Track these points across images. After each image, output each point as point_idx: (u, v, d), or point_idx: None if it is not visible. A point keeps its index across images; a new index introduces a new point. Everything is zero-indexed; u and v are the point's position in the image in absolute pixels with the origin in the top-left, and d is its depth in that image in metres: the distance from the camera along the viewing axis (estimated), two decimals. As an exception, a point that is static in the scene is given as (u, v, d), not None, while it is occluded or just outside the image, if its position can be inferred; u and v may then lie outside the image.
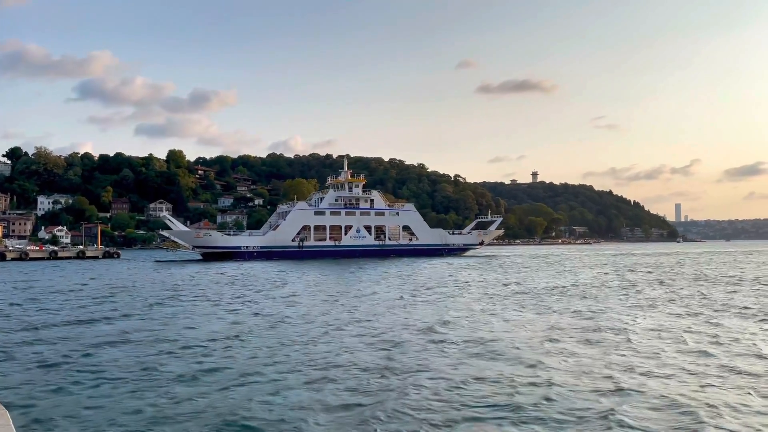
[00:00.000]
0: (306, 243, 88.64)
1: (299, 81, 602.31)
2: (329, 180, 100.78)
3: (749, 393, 12.34)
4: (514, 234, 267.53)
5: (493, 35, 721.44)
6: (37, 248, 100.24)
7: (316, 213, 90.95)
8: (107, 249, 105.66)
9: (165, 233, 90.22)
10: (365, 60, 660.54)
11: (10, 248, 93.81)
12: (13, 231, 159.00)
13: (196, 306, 28.34)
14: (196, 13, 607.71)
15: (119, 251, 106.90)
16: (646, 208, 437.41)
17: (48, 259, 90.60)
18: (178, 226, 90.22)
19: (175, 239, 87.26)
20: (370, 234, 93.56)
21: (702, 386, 12.92)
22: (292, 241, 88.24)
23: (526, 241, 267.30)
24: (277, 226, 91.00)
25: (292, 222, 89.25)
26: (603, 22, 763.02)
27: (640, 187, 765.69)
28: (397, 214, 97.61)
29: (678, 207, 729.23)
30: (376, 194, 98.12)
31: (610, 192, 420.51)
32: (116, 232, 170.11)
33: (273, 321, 23.19)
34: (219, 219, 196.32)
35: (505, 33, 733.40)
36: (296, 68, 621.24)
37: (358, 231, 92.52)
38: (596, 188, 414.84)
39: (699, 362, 15.29)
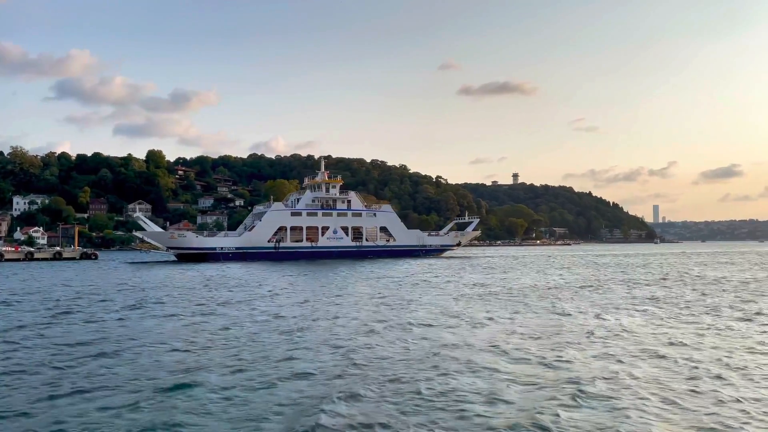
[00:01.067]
0: (282, 244, 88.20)
1: (281, 82, 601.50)
2: (306, 180, 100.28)
3: (697, 390, 12.80)
4: (494, 235, 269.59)
5: (474, 37, 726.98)
6: (13, 249, 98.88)
7: (293, 214, 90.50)
8: (85, 250, 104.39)
9: (138, 234, 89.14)
10: (347, 61, 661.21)
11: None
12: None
13: (164, 309, 28.32)
14: (177, 12, 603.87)
15: (97, 252, 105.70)
16: (625, 210, 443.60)
17: (24, 260, 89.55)
18: (151, 226, 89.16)
19: (149, 240, 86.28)
20: (347, 235, 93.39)
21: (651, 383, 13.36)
22: (268, 242, 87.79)
23: (506, 242, 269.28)
24: (253, 227, 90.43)
25: (268, 223, 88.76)
26: (583, 25, 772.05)
27: (618, 189, 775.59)
28: (375, 215, 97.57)
29: (656, 208, 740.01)
30: (353, 195, 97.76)
31: (590, 193, 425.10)
32: (94, 233, 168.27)
33: (240, 323, 23.26)
34: (199, 220, 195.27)
35: (486, 35, 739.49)
36: (277, 69, 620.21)
37: (335, 232, 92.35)
38: (576, 190, 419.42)
39: (656, 362, 15.71)
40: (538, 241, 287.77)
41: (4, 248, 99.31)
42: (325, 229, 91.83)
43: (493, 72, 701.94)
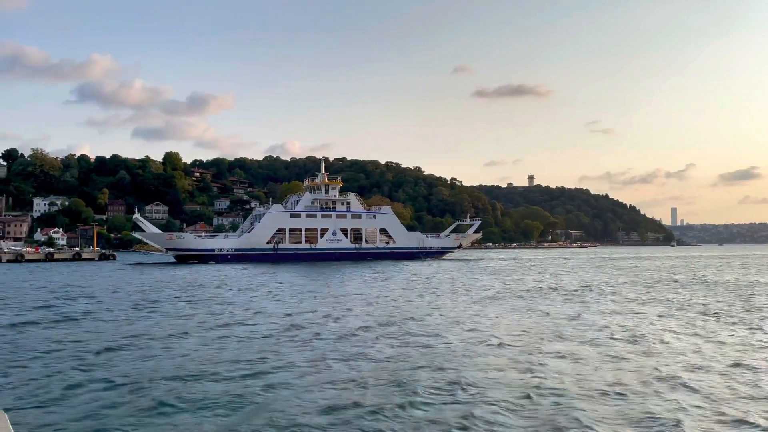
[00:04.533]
0: (281, 246, 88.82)
1: (297, 85, 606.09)
2: (306, 182, 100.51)
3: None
4: (510, 237, 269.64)
5: (488, 40, 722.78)
6: (33, 250, 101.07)
7: (292, 215, 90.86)
8: (103, 251, 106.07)
9: (137, 235, 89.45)
10: (362, 63, 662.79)
11: (6, 250, 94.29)
12: (9, 233, 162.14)
13: (153, 310, 28.09)
14: (195, 16, 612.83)
15: (115, 253, 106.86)
16: (642, 212, 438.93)
17: (44, 261, 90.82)
18: (149, 228, 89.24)
19: (147, 241, 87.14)
20: (347, 237, 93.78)
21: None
22: (267, 243, 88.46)
23: (522, 244, 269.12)
24: (252, 228, 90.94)
25: (267, 224, 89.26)
26: (597, 27, 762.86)
27: (635, 191, 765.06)
28: (374, 216, 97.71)
29: (674, 211, 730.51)
30: (352, 196, 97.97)
31: (606, 196, 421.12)
32: (112, 234, 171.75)
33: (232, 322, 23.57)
34: (215, 221, 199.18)
35: (500, 38, 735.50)
36: (294, 72, 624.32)
37: (334, 234, 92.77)
38: (592, 192, 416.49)
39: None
40: (546, 244, 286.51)
41: (24, 249, 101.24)
42: (324, 230, 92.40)
43: (507, 75, 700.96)
